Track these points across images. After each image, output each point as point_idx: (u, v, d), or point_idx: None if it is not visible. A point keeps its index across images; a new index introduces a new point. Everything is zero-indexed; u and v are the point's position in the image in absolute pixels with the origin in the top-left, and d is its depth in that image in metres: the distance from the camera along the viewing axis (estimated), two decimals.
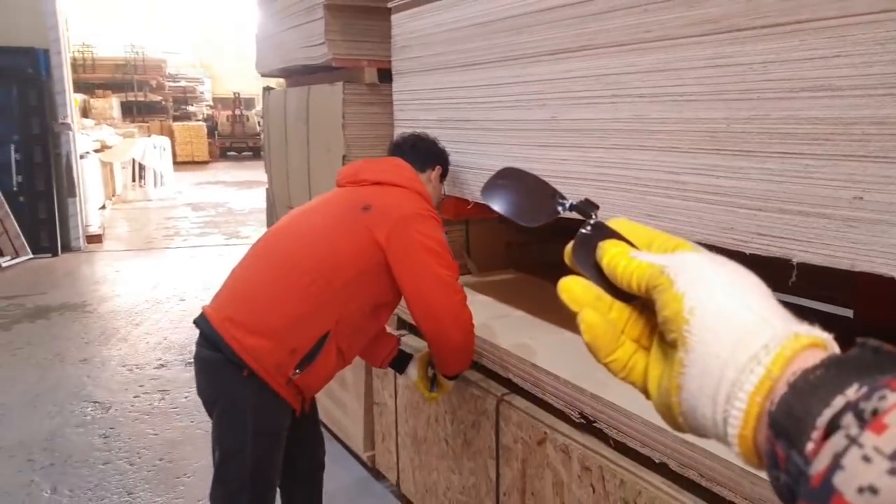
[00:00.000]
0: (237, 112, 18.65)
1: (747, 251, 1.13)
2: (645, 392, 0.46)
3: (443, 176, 1.89)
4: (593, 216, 0.52)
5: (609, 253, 0.47)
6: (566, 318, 1.74)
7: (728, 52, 1.14)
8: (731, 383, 0.38)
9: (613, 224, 0.50)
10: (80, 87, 16.72)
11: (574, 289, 0.48)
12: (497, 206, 0.61)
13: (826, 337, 0.38)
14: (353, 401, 2.54)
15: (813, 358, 0.36)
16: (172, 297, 5.22)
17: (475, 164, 1.87)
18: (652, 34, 1.29)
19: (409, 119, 2.21)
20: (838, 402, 0.32)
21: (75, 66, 17.81)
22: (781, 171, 1.08)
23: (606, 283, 0.48)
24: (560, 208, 0.57)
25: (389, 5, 2.22)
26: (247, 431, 1.57)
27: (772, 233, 1.09)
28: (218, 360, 1.55)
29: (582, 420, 1.49)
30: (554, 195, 0.58)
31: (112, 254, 6.83)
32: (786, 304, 0.42)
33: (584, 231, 0.51)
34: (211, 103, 22.45)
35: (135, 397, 3.46)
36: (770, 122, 1.08)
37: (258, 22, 3.21)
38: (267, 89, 3.34)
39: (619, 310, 0.48)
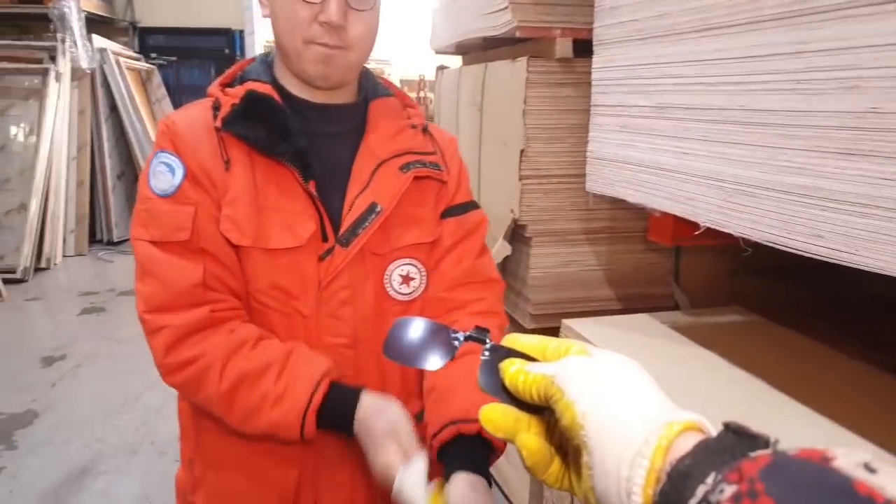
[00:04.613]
0: (421, 94, 18.82)
1: None
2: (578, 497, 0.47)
3: None
4: (487, 341, 0.55)
5: (508, 373, 0.50)
6: (827, 394, 1.06)
7: None
8: (626, 480, 0.40)
9: (507, 342, 0.54)
10: None
11: (494, 418, 0.50)
12: (402, 361, 0.64)
13: (698, 418, 0.42)
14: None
15: (687, 444, 0.39)
16: None
17: (715, 172, 1.28)
18: None
19: (612, 104, 1.65)
20: (700, 491, 0.36)
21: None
22: None
23: (517, 401, 0.50)
24: (456, 342, 0.60)
25: None
26: None
27: None
28: None
29: None
30: (447, 332, 0.61)
31: None
32: None
33: (484, 357, 0.54)
34: (398, 85, 22.99)
35: None
36: None
37: None
38: (440, 68, 2.91)
39: (537, 424, 0.50)
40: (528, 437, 0.49)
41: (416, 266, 1.07)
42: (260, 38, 7.06)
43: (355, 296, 1.00)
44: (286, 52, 0.99)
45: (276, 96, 1.00)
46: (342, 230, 0.99)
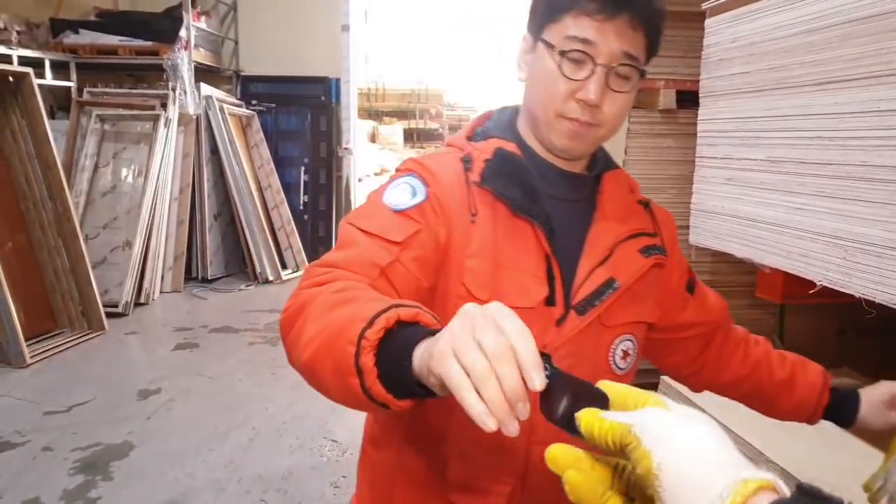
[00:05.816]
0: None
1: None
2: None
3: (541, 37, 0.95)
4: (547, 366, 0.54)
5: (584, 419, 0.51)
6: None
7: None
8: None
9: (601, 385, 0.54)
10: (371, 114, 18.30)
11: (557, 456, 0.52)
12: None
13: (772, 477, 0.42)
14: None
15: (760, 503, 0.40)
16: None
17: (833, 229, 1.22)
18: None
19: (719, 157, 1.61)
20: None
21: (368, 95, 19.62)
22: None
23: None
24: None
25: (704, 6, 1.65)
26: None
27: None
28: None
29: None
30: None
31: None
32: None
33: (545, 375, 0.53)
34: None
35: None
36: None
37: None
38: None
39: (603, 467, 0.51)
40: (573, 473, 0.50)
41: (633, 342, 1.05)
42: (354, 86, 7.31)
43: (573, 367, 0.95)
44: (535, 120, 0.99)
45: (522, 156, 1.00)
46: (577, 298, 0.96)
